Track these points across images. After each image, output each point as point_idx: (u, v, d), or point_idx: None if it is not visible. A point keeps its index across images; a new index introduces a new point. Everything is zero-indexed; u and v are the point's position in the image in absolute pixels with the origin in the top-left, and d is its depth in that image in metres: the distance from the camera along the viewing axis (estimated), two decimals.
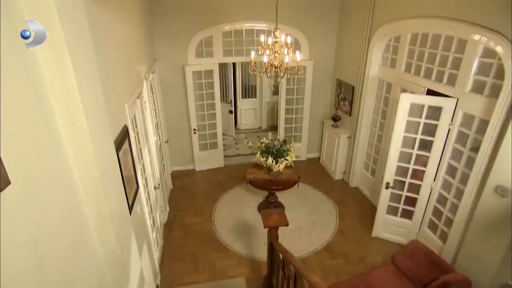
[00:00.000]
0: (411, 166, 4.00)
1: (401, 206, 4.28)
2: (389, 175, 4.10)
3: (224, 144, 7.01)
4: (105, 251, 1.81)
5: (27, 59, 1.25)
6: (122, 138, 2.67)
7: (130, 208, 2.69)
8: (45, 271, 1.22)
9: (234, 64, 8.22)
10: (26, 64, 1.26)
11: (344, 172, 6.08)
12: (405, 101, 3.71)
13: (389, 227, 4.45)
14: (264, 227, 3.04)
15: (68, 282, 1.42)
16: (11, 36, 1.13)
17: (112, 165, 2.01)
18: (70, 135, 1.53)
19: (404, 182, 4.12)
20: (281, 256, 2.85)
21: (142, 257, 3.05)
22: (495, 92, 3.04)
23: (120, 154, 2.48)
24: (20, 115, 1.17)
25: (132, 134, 3.11)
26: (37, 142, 1.29)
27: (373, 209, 5.14)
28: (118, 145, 2.49)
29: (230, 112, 7.87)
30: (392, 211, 4.36)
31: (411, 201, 4.18)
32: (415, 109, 3.76)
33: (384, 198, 4.27)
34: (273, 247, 3.09)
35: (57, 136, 1.47)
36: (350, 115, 5.71)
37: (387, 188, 4.16)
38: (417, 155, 3.94)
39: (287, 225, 3.02)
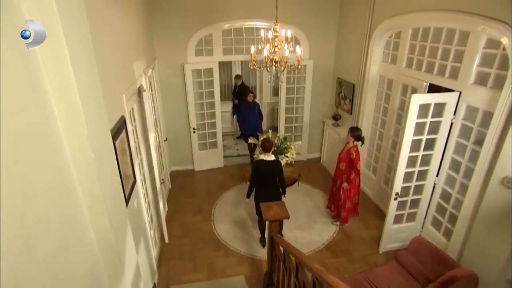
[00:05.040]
0: (417, 169, 3.74)
1: (407, 211, 4.01)
2: (398, 184, 3.73)
3: (224, 145, 6.94)
4: (98, 237, 1.73)
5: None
6: (119, 128, 2.62)
7: (127, 200, 2.62)
8: (33, 248, 1.15)
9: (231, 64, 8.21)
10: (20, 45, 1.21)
11: None
12: (415, 103, 3.34)
13: (395, 236, 4.13)
14: (265, 220, 2.96)
15: (58, 265, 1.34)
16: (7, 18, 1.11)
17: (107, 149, 1.95)
18: (63, 113, 1.47)
19: (410, 186, 3.84)
20: (281, 249, 2.77)
21: (139, 253, 2.96)
22: (499, 83, 3.00)
23: (116, 144, 2.42)
24: (7, 89, 1.11)
25: (130, 127, 3.06)
26: (25, 115, 1.23)
27: (374, 207, 5.07)
28: (115, 134, 2.44)
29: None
30: (398, 219, 4.05)
31: (415, 202, 4.00)
32: (421, 109, 3.44)
33: (392, 210, 3.89)
34: (274, 241, 3.01)
35: (48, 113, 1.41)
36: (351, 114, 5.65)
37: (395, 199, 3.80)
38: (422, 156, 3.69)
39: (288, 217, 2.94)
